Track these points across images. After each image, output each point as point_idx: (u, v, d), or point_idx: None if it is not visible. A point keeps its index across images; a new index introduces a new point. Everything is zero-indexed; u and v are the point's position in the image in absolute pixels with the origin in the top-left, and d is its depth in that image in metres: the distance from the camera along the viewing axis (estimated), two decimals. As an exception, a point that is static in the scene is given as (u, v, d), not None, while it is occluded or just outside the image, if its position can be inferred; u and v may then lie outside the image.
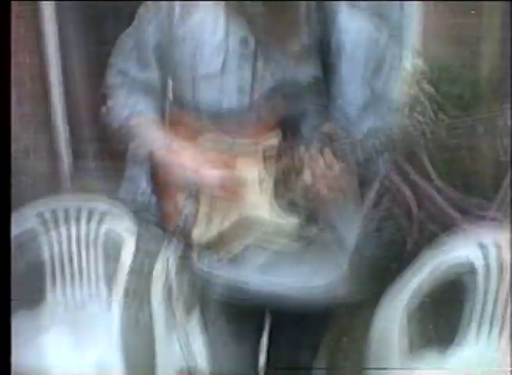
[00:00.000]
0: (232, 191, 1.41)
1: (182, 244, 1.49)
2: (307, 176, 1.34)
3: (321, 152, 1.32)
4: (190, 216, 1.47)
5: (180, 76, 1.46)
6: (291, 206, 1.41)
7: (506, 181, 3.43)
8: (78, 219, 2.29)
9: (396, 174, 3.43)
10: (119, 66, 1.53)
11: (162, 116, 1.51)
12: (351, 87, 1.40)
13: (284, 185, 1.40)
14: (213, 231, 1.47)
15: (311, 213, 1.41)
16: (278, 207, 1.41)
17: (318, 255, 1.49)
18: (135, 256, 2.13)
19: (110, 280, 2.24)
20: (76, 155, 4.18)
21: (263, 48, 1.38)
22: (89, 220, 2.27)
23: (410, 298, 2.00)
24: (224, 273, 1.50)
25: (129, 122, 1.50)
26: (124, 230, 2.18)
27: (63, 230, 2.29)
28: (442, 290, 2.04)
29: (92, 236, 2.24)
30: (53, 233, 2.29)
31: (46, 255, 2.26)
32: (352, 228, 1.58)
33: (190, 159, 1.42)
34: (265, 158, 1.40)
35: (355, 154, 1.33)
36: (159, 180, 1.50)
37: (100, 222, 2.26)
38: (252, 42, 1.38)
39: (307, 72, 1.38)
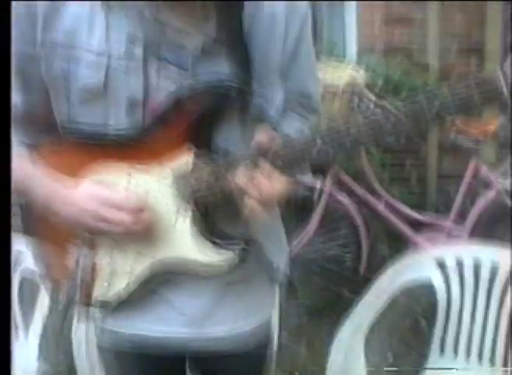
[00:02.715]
0: (138, 232, 1.14)
1: (81, 305, 1.22)
2: (240, 200, 1.10)
3: (254, 169, 1.09)
4: (86, 271, 1.19)
5: (53, 95, 1.17)
6: (219, 240, 1.17)
7: (459, 194, 3.35)
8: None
9: (340, 191, 3.30)
10: None
11: (38, 147, 1.20)
12: (268, 83, 1.18)
13: (207, 213, 1.16)
14: (118, 286, 1.20)
15: (244, 245, 1.17)
16: (201, 243, 1.16)
17: (248, 294, 1.28)
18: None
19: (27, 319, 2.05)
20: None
21: (155, 48, 1.11)
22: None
23: (366, 327, 1.82)
24: (136, 330, 1.26)
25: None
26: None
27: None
28: (401, 315, 1.91)
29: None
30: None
31: None
32: (282, 255, 1.36)
33: (74, 203, 1.12)
34: (177, 183, 1.14)
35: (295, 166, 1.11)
36: (40, 229, 1.24)
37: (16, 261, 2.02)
38: (141, 41, 1.11)
39: (215, 71, 1.13)
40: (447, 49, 3.85)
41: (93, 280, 1.19)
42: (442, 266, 1.83)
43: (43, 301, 1.94)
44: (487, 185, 3.28)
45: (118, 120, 1.13)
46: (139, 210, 1.11)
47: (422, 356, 1.95)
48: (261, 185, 1.08)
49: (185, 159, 1.12)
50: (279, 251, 1.33)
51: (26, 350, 2.01)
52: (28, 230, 1.26)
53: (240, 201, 1.09)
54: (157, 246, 1.16)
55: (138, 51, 1.10)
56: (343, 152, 1.06)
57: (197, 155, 1.12)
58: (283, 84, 1.23)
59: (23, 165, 1.16)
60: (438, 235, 3.33)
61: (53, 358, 2.00)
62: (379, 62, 3.74)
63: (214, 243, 1.15)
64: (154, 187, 1.14)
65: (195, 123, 1.11)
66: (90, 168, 1.15)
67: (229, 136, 1.14)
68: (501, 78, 0.98)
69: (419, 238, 3.32)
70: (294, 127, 1.21)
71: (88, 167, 1.15)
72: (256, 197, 1.08)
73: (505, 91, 0.98)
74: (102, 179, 1.14)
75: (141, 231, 1.13)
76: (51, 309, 1.89)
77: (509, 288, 1.78)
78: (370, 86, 3.29)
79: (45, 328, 1.89)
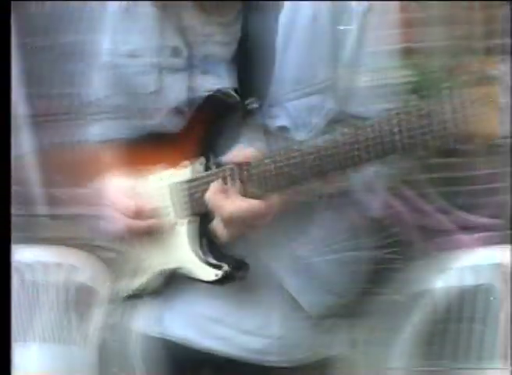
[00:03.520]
0: (141, 233, 1.21)
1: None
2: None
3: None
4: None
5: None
6: (211, 254, 1.18)
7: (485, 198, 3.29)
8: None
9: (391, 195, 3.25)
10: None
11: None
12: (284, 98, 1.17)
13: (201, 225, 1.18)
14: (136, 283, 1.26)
15: (232, 264, 1.18)
16: (195, 255, 1.18)
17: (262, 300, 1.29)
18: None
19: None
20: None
21: (195, 58, 1.16)
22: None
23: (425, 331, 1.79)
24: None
25: None
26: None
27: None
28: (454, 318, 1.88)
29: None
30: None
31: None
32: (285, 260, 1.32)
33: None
34: (177, 190, 1.17)
35: None
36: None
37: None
38: (186, 52, 1.17)
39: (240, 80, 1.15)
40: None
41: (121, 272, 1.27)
42: (501, 268, 1.79)
43: (99, 315, 1.94)
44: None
45: (164, 128, 1.19)
46: (137, 214, 1.16)
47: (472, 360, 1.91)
48: (225, 203, 1.06)
49: (190, 167, 1.13)
50: (279, 257, 1.30)
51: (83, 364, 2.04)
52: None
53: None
54: (161, 252, 1.21)
55: (182, 63, 1.17)
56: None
57: (201, 164, 1.13)
58: (325, 105, 1.19)
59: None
60: (491, 236, 3.28)
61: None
62: (419, 62, 3.69)
63: (206, 257, 1.18)
64: (158, 191, 1.18)
65: (205, 131, 1.11)
66: (112, 168, 1.22)
67: (230, 146, 1.14)
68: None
69: (472, 240, 3.27)
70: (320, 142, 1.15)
71: (112, 166, 1.22)
72: (219, 214, 1.06)
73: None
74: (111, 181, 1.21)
75: (140, 234, 1.19)
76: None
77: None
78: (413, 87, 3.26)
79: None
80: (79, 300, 2.08)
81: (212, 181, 1.11)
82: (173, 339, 1.28)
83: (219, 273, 1.16)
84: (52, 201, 4.18)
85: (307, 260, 1.25)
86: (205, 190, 1.12)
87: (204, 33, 1.14)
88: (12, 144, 3.71)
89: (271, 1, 1.13)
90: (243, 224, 1.12)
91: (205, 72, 1.14)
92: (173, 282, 1.24)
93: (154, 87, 1.16)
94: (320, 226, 1.23)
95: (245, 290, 1.23)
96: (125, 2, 1.18)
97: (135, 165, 1.22)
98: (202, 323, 1.27)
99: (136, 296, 1.27)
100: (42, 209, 4.20)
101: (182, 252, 1.17)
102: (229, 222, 1.10)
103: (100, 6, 1.22)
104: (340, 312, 1.32)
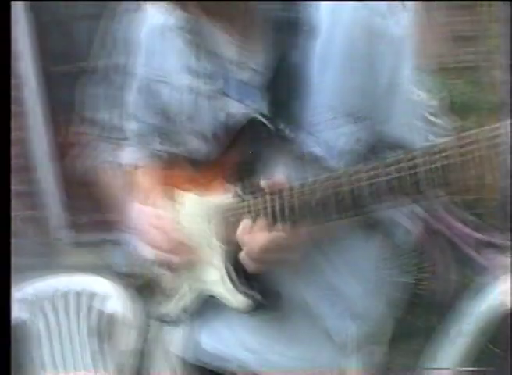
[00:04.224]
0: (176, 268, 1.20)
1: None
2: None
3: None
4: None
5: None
6: (241, 282, 1.15)
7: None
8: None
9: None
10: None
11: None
12: (325, 126, 1.10)
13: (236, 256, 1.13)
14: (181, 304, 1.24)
15: (259, 295, 1.14)
16: (226, 282, 1.15)
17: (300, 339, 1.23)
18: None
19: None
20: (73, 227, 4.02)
21: (232, 82, 1.12)
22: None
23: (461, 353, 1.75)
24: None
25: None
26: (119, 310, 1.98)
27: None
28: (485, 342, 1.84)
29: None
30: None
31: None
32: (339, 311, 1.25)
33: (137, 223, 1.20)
34: (213, 218, 1.15)
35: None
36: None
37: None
38: (220, 77, 1.12)
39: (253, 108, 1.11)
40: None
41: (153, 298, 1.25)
42: None
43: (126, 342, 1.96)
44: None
45: (196, 151, 1.17)
46: (171, 252, 1.16)
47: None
48: (251, 239, 1.05)
49: (226, 194, 1.12)
50: (332, 308, 1.23)
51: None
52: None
53: None
54: (195, 276, 1.19)
55: (212, 88, 1.13)
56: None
57: (237, 191, 1.11)
58: (364, 130, 1.12)
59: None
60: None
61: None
62: (443, 82, 3.67)
63: (238, 285, 1.14)
64: (196, 215, 1.17)
65: (241, 157, 1.11)
66: (154, 190, 1.22)
67: (266, 173, 1.10)
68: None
69: (491, 262, 3.23)
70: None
71: (152, 189, 1.22)
72: (246, 250, 1.07)
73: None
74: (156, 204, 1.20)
75: (178, 262, 1.17)
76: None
77: None
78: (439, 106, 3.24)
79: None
80: (101, 327, 2.06)
81: (245, 211, 1.09)
82: (208, 365, 1.26)
83: (250, 302, 1.14)
84: (78, 227, 4.20)
85: (340, 288, 1.23)
86: (238, 219, 1.10)
87: (238, 60, 1.12)
88: (39, 172, 3.75)
89: (306, 28, 1.10)
90: (269, 257, 1.10)
91: (240, 98, 1.11)
92: (208, 307, 1.23)
93: (188, 112, 1.15)
94: (351, 252, 1.20)
95: (279, 319, 1.22)
96: (159, 26, 1.18)
97: (168, 190, 1.22)
98: (236, 350, 1.25)
99: (170, 321, 1.26)
100: (67, 236, 4.22)
101: (215, 278, 1.16)
102: (252, 255, 1.09)
103: (133, 29, 1.22)
104: (371, 339, 1.28)
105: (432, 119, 3.13)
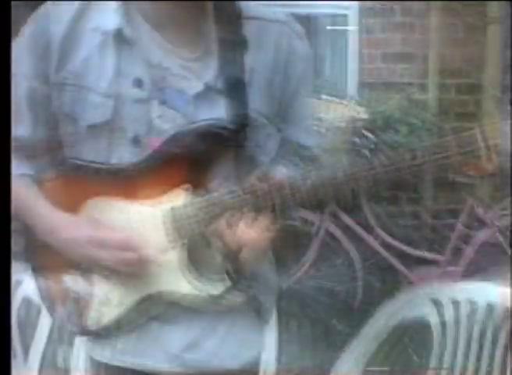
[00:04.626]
0: (134, 265, 1.17)
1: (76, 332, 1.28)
2: (229, 237, 1.13)
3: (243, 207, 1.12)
4: (82, 298, 1.23)
5: (62, 129, 1.22)
6: (211, 273, 1.19)
7: (455, 232, 3.36)
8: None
9: (336, 228, 3.34)
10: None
11: (43, 179, 1.25)
12: (263, 131, 1.21)
13: (202, 250, 1.19)
14: (111, 315, 1.23)
15: (234, 278, 1.20)
16: (194, 276, 1.19)
17: (237, 329, 1.28)
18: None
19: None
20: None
21: (158, 92, 1.17)
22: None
23: (363, 363, 1.83)
24: (119, 363, 1.27)
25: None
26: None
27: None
28: (395, 352, 1.91)
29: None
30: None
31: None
32: (270, 293, 1.36)
33: (74, 232, 1.18)
34: (175, 221, 1.17)
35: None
36: (40, 256, 1.28)
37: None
38: (145, 86, 1.17)
39: (212, 116, 1.18)
40: (446, 86, 3.91)
41: (85, 308, 1.23)
42: (437, 304, 1.85)
43: (43, 328, 1.96)
44: (483, 224, 3.32)
45: (120, 158, 1.18)
46: (124, 249, 1.16)
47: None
48: (241, 234, 1.12)
49: (178, 196, 1.16)
50: (266, 290, 1.33)
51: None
52: (29, 257, 1.30)
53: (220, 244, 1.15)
54: (145, 281, 1.20)
55: (143, 94, 1.16)
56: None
57: (190, 193, 1.16)
58: (278, 134, 1.25)
59: (25, 195, 1.22)
60: (432, 272, 3.36)
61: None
62: (379, 99, 3.80)
63: (200, 276, 1.19)
64: (145, 222, 1.19)
65: (191, 163, 1.16)
66: (86, 202, 1.21)
67: (222, 177, 1.17)
68: (479, 138, 1.04)
69: (413, 275, 3.34)
70: (282, 173, 1.21)
71: (84, 201, 1.20)
72: (231, 244, 1.13)
73: (483, 151, 1.05)
74: (95, 215, 1.20)
75: (127, 269, 1.17)
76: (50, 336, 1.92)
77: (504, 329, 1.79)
78: (370, 123, 3.35)
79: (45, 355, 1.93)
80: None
81: (211, 208, 1.14)
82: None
83: (215, 286, 1.19)
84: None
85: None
86: (205, 216, 1.15)
87: (169, 67, 1.17)
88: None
89: (238, 42, 1.19)
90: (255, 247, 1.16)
91: (167, 104, 1.16)
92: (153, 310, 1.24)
93: (110, 116, 1.16)
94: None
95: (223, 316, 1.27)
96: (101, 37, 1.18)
97: (127, 196, 1.20)
98: (174, 351, 1.27)
99: (112, 328, 1.25)
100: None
101: (174, 276, 1.19)
102: (241, 249, 1.14)
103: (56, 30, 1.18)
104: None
105: (365, 133, 3.26)
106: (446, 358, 1.84)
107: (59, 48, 1.17)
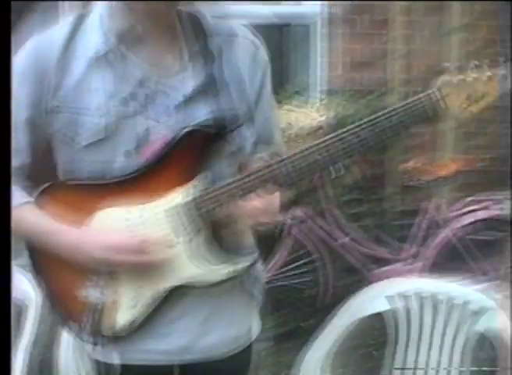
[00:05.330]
0: (141, 269, 1.32)
1: (90, 338, 1.38)
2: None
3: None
4: (97, 306, 1.35)
5: (60, 150, 1.35)
6: (226, 253, 1.34)
7: (415, 231, 3.49)
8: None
9: (299, 229, 3.44)
10: None
11: (44, 202, 1.36)
12: (245, 127, 1.37)
13: (218, 235, 1.34)
14: (124, 320, 1.36)
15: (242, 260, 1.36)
16: (200, 261, 1.33)
17: (234, 304, 1.46)
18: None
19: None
20: None
21: (144, 107, 1.31)
22: None
23: (326, 355, 1.94)
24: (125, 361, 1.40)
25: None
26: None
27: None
28: (360, 345, 1.96)
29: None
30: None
31: None
32: (258, 284, 1.53)
33: (93, 243, 1.30)
34: (188, 215, 1.31)
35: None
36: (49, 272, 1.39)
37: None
38: (133, 102, 1.31)
39: (197, 118, 1.33)
40: (408, 93, 4.02)
41: (101, 314, 1.35)
42: (391, 300, 1.92)
43: (30, 327, 1.99)
44: (443, 224, 3.44)
45: (114, 171, 1.31)
46: (140, 251, 1.29)
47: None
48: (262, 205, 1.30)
49: (179, 192, 1.31)
50: (255, 280, 1.50)
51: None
52: (36, 269, 1.42)
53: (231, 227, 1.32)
54: (158, 276, 1.32)
55: (129, 111, 1.30)
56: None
57: (189, 188, 1.30)
58: (254, 133, 1.41)
59: (35, 220, 1.34)
60: (391, 270, 3.48)
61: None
62: (345, 104, 3.90)
63: (212, 259, 1.33)
64: (150, 221, 1.31)
65: (183, 164, 1.31)
66: (92, 216, 1.33)
67: (216, 170, 1.33)
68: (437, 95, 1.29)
69: (373, 272, 3.46)
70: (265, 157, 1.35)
71: (89, 216, 1.33)
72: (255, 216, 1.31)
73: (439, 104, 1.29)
74: (103, 222, 1.32)
75: (144, 268, 1.31)
76: (37, 335, 1.96)
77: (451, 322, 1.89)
78: (335, 128, 3.43)
79: (31, 355, 1.96)
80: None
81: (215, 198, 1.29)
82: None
83: (234, 266, 1.34)
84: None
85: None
86: (216, 202, 1.29)
87: (149, 85, 1.31)
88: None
89: (206, 56, 1.36)
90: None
91: (151, 118, 1.31)
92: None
93: (104, 135, 1.29)
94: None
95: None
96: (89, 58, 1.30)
97: (128, 200, 1.32)
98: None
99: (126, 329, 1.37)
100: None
101: (184, 268, 1.32)
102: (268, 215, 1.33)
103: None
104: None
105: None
106: (398, 355, 1.94)
107: (53, 77, 1.30)
